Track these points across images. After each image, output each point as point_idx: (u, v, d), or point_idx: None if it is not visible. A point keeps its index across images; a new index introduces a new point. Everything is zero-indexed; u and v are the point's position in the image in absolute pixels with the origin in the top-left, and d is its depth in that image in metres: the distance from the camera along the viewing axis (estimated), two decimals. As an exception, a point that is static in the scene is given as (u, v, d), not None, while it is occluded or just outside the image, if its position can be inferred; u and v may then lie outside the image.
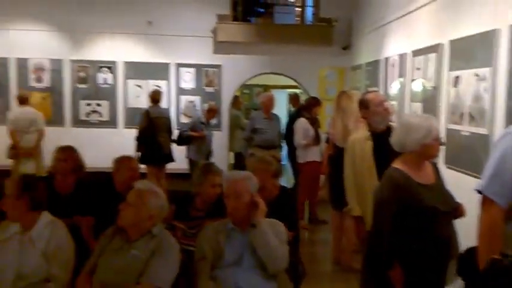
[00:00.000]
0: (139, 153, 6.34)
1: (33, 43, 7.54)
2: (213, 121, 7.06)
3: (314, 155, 5.86)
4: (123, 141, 6.92)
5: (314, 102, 6.16)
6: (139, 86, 7.69)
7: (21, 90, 6.94)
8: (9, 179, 2.64)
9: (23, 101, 6.38)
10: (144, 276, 2.36)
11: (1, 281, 2.48)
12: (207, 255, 2.50)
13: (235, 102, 8.42)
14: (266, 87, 10.64)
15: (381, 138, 3.11)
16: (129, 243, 2.46)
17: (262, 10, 8.72)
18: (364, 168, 3.25)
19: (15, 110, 6.54)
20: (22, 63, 7.54)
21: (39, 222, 2.61)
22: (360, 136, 3.41)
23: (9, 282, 2.46)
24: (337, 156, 4.17)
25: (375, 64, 6.16)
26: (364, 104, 3.38)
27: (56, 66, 7.59)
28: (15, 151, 6.23)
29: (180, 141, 6.58)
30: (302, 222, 5.60)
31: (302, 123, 5.89)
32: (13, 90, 7.45)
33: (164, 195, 2.57)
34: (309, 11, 8.67)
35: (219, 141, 7.42)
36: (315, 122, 5.97)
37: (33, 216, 2.60)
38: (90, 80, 7.66)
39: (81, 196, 3.56)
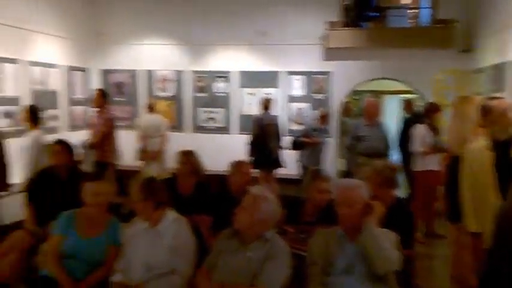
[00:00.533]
0: (252, 158, 6.63)
1: (159, 56, 8.28)
2: (326, 127, 7.00)
3: (432, 163, 5.60)
4: (236, 146, 7.26)
5: (433, 108, 5.87)
6: (251, 94, 8.03)
7: (150, 99, 7.66)
8: (135, 182, 2.93)
9: (151, 108, 7.06)
10: (257, 280, 2.48)
11: (133, 270, 2.80)
12: (317, 261, 2.54)
13: (345, 108, 8.36)
14: (377, 93, 10.36)
15: (503, 148, 2.90)
16: (244, 246, 2.60)
17: (374, 14, 8.52)
18: (483, 180, 3.05)
19: (144, 117, 7.24)
20: (150, 74, 8.34)
21: (165, 219, 2.89)
22: (479, 145, 3.21)
23: (140, 272, 2.77)
24: (453, 165, 3.95)
25: (500, 67, 5.70)
26: (485, 111, 3.17)
27: (179, 76, 8.26)
28: (143, 154, 6.92)
29: (294, 146, 6.73)
30: (417, 236, 5.36)
31: (420, 129, 5.67)
32: (141, 99, 8.26)
33: (277, 201, 2.66)
34: (425, 13, 8.29)
35: (329, 148, 7.43)
36: (434, 129, 5.70)
37: (159, 214, 2.88)
38: (207, 89, 8.20)
39: (200, 197, 3.86)
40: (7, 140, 5.08)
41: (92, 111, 6.81)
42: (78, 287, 2.83)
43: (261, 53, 8.01)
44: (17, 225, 3.90)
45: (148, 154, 6.87)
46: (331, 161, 7.48)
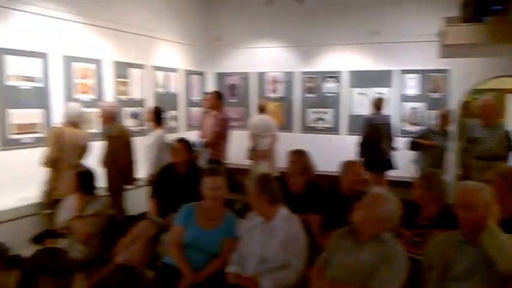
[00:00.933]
0: (363, 159, 6.49)
1: (270, 58, 8.50)
2: (446, 128, 6.44)
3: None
4: (345, 147, 7.18)
5: None
6: (362, 94, 7.87)
7: (262, 100, 7.89)
8: (249, 178, 3.06)
9: (261, 109, 7.27)
10: (372, 282, 2.45)
11: (248, 263, 2.93)
12: (435, 265, 2.46)
13: (465, 108, 7.79)
14: (500, 92, 9.49)
15: None
16: (359, 245, 2.58)
17: (497, 8, 7.82)
18: None
19: (255, 117, 7.49)
20: (261, 76, 8.61)
21: (278, 215, 2.98)
22: None
23: (254, 264, 2.89)
24: None
25: None
26: None
27: (288, 78, 8.40)
28: (253, 153, 7.15)
29: (411, 147, 6.46)
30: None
31: None
32: (253, 100, 8.55)
33: (397, 203, 2.59)
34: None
35: (449, 150, 6.98)
36: None
37: (272, 210, 2.98)
38: (317, 90, 8.22)
39: (311, 196, 3.89)
40: (134, 138, 5.61)
41: (204, 112, 7.22)
42: (197, 276, 3.01)
43: (373, 52, 7.81)
44: (142, 216, 4.28)
45: (258, 153, 7.08)
46: (451, 164, 7.02)
